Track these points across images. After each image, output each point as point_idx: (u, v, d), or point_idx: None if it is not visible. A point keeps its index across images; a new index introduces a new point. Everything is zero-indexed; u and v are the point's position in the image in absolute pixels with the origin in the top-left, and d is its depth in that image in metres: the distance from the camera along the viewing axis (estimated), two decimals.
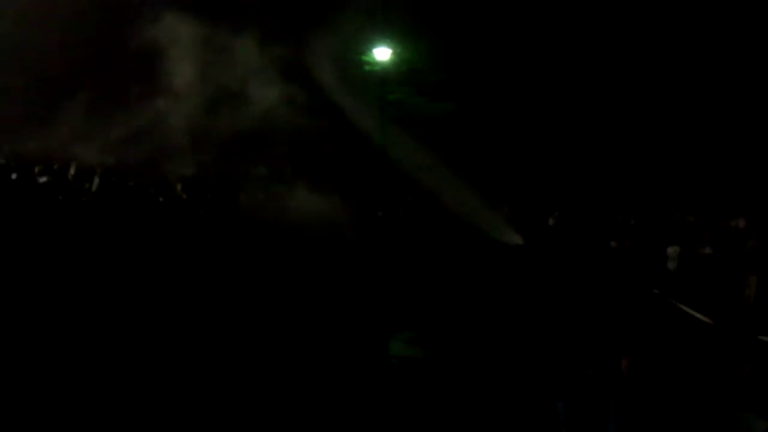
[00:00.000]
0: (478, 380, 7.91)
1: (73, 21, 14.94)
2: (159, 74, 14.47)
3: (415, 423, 7.11)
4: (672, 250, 12.08)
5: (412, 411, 7.24)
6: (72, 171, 11.08)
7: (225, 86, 15.19)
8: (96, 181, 11.01)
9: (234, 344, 8.22)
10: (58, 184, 10.42)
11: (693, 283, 11.42)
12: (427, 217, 13.97)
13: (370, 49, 18.09)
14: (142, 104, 14.76)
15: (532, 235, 12.44)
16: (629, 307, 10.27)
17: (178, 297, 9.05)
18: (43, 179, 10.25)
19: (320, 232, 11.24)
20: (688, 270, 11.77)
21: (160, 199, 11.96)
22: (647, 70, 17.07)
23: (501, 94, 17.98)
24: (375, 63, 18.07)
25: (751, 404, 6.85)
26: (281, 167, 16.77)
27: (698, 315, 10.18)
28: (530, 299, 9.98)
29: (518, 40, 17.69)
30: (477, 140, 17.93)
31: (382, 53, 17.95)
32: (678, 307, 10.68)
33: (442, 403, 7.39)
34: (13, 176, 10.57)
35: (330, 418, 7.02)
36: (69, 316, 8.22)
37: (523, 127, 17.93)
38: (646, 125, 17.04)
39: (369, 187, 15.55)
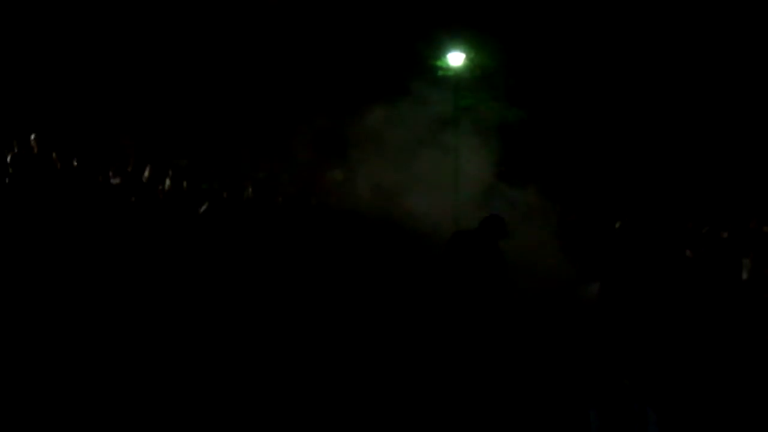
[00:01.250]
0: (506, 382, 7.83)
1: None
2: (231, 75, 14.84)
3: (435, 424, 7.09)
4: (747, 261, 11.67)
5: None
6: (147, 173, 11.47)
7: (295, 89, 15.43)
8: (167, 183, 11.38)
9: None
10: (132, 186, 10.80)
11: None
12: None
13: (443, 54, 18.15)
14: (217, 105, 15.17)
15: (598, 242, 12.22)
16: (697, 316, 9.99)
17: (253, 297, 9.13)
18: (115, 181, 10.67)
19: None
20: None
21: (231, 201, 12.15)
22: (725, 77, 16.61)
23: (574, 100, 17.79)
24: (449, 68, 18.10)
25: None
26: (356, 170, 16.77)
27: None
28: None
29: (591, 46, 17.46)
30: (549, 146, 17.78)
31: (456, 58, 17.96)
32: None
33: (466, 404, 7.35)
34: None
35: None
36: (144, 313, 8.36)
37: (594, 132, 17.69)
38: (718, 132, 16.58)
39: None
